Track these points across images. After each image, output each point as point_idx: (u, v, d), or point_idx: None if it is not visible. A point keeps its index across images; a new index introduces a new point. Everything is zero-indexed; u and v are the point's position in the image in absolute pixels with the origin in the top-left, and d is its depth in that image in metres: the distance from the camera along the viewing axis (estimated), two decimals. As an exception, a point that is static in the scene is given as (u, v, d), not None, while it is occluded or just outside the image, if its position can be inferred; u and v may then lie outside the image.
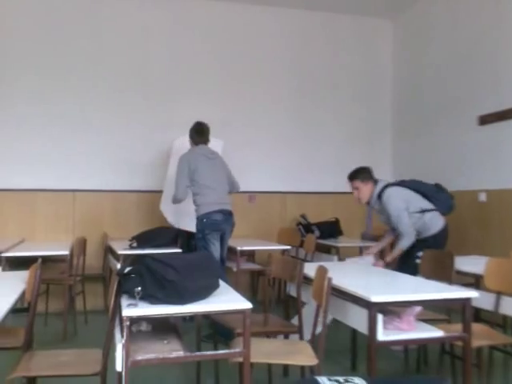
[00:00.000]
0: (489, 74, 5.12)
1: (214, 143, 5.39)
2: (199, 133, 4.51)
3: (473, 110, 5.27)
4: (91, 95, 5.70)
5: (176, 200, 4.40)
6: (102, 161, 5.69)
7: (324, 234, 5.63)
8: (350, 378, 0.99)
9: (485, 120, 5.12)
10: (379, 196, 4.10)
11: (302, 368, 2.91)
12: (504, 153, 4.88)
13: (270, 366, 3.19)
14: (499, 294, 3.06)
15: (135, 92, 5.84)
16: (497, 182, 4.92)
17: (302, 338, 2.91)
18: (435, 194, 4.18)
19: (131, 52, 5.86)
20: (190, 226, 4.68)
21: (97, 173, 5.66)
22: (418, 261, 3.74)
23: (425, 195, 4.16)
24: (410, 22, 6.45)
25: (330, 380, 0.98)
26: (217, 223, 4.33)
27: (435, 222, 4.08)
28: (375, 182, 4.19)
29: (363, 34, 6.67)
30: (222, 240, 4.45)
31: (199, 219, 4.34)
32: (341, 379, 0.98)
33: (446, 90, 5.73)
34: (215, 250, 4.29)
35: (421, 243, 3.99)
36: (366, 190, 4.17)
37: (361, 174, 4.21)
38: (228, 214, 4.43)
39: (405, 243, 3.97)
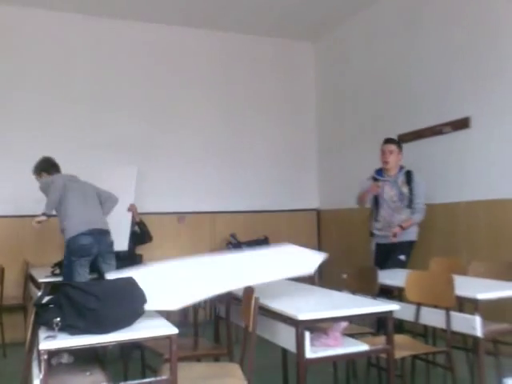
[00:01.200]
0: (404, 95, 5.41)
1: (129, 170, 5.31)
2: (53, 165, 4.55)
3: (392, 129, 5.53)
4: (11, 113, 5.47)
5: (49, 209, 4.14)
6: (21, 184, 5.40)
7: (254, 253, 5.66)
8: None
9: (403, 138, 5.37)
10: (408, 173, 4.57)
11: (233, 390, 2.89)
12: (421, 169, 5.12)
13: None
14: (419, 305, 3.20)
15: (58, 111, 5.66)
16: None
17: (232, 359, 2.89)
18: None
19: (54, 71, 5.69)
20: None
21: (15, 197, 5.38)
22: (402, 257, 4.31)
23: None
24: (330, 45, 6.71)
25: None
26: (85, 248, 4.05)
27: (414, 231, 4.55)
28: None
29: (286, 56, 6.86)
30: (102, 263, 4.21)
31: (65, 244, 4.12)
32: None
33: (366, 111, 5.99)
34: (81, 279, 3.96)
35: (400, 247, 4.45)
36: (396, 158, 4.63)
37: (398, 143, 4.69)
38: (100, 234, 4.17)
39: (419, 216, 4.50)
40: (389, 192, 4.55)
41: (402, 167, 4.61)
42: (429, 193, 5.00)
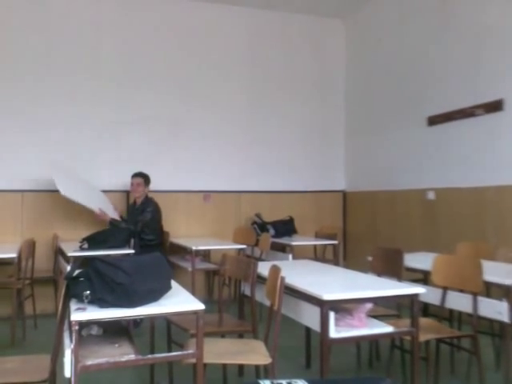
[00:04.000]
0: (435, 76, 5.29)
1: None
2: None
3: (422, 111, 5.43)
4: (41, 90, 5.54)
5: None
6: (52, 160, 5.52)
7: (279, 233, 5.68)
8: (293, 381, 1.00)
9: (433, 121, 5.28)
10: None
11: (257, 367, 2.93)
12: (451, 152, 5.06)
13: (225, 365, 3.19)
14: (445, 289, 3.17)
15: (85, 88, 5.70)
16: (445, 181, 5.09)
17: (256, 336, 2.92)
18: None
19: (82, 47, 5.71)
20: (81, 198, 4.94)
21: (47, 173, 5.47)
22: None
23: None
24: (361, 23, 6.57)
25: (272, 383, 0.98)
26: None
27: None
28: None
29: (316, 33, 6.74)
30: None
31: None
32: (284, 382, 0.98)
33: (396, 91, 5.88)
34: None
35: None
36: None
37: None
38: None
39: None
40: None
41: None
42: (457, 176, 4.94)
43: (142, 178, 5.29)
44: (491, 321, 3.26)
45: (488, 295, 3.23)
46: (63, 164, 5.50)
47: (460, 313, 3.58)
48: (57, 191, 5.41)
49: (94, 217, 5.16)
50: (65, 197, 4.90)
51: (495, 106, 4.57)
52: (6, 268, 4.57)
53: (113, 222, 5.11)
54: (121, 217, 5.35)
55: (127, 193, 5.58)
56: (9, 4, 5.47)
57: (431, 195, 5.25)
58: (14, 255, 4.24)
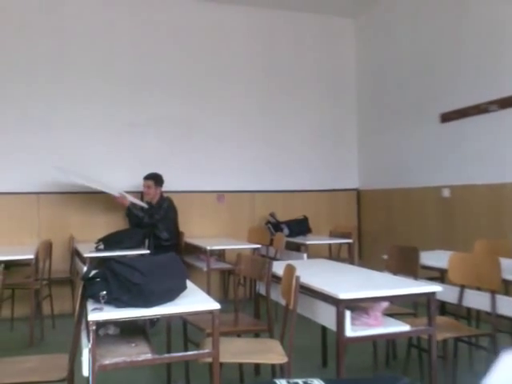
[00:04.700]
0: (449, 72, 5.24)
1: None
2: None
3: (435, 108, 5.38)
4: (56, 93, 5.59)
5: None
6: (65, 162, 5.57)
7: (293, 232, 5.67)
8: (309, 380, 1.00)
9: (446, 117, 5.23)
10: None
11: (273, 366, 2.93)
12: (465, 149, 5.00)
13: (241, 364, 3.19)
14: (463, 287, 3.14)
15: (98, 90, 5.74)
16: (460, 178, 5.04)
17: (272, 336, 2.92)
18: None
19: (95, 51, 5.75)
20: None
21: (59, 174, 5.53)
22: None
23: None
24: (373, 21, 6.53)
25: (288, 383, 0.98)
26: None
27: None
28: None
29: (327, 32, 6.72)
30: None
31: None
32: (300, 381, 0.98)
33: (408, 88, 5.84)
34: None
35: None
36: None
37: None
38: None
39: None
40: None
41: None
42: (473, 173, 4.89)
43: (152, 179, 5.33)
44: (511, 319, 3.22)
45: (507, 293, 3.19)
46: (77, 165, 5.56)
47: (478, 311, 3.55)
48: (72, 193, 5.51)
49: (113, 201, 5.30)
50: (82, 185, 5.06)
51: (510, 102, 4.51)
52: (24, 269, 4.62)
53: (132, 206, 5.19)
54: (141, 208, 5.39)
55: (142, 193, 5.61)
56: (23, 7, 5.53)
57: (446, 192, 5.20)
58: (31, 256, 4.29)
